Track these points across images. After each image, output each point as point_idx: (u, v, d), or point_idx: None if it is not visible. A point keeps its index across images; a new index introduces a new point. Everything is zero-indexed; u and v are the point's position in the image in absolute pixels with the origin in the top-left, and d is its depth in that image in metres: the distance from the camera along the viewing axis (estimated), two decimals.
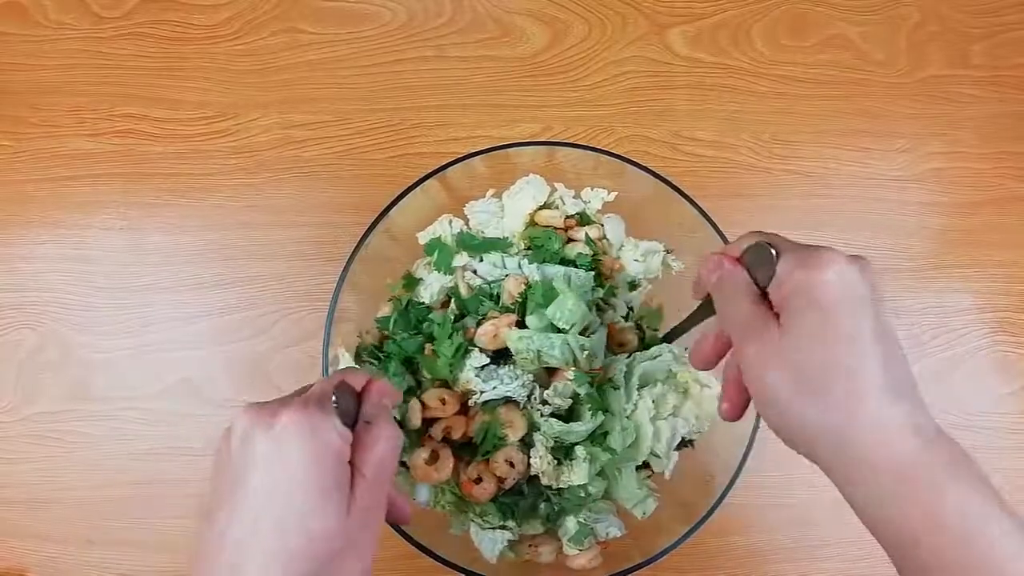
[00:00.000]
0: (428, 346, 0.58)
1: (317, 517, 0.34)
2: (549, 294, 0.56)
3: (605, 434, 0.56)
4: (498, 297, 0.59)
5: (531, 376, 0.57)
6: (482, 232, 0.63)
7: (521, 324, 0.57)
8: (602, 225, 0.63)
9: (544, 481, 0.56)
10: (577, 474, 0.55)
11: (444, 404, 0.56)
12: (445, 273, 0.62)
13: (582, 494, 0.56)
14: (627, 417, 0.57)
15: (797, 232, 0.74)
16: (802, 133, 0.77)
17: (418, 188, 0.58)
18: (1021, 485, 0.71)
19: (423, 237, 0.63)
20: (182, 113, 0.75)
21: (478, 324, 0.58)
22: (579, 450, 0.56)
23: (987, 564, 0.31)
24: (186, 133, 0.74)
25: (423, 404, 0.56)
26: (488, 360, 0.57)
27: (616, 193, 0.64)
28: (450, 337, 0.57)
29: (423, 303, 0.61)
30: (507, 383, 0.57)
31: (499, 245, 0.62)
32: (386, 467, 0.38)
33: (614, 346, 0.61)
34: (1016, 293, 0.74)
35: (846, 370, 0.34)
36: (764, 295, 0.38)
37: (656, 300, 0.66)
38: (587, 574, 0.57)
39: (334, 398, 0.37)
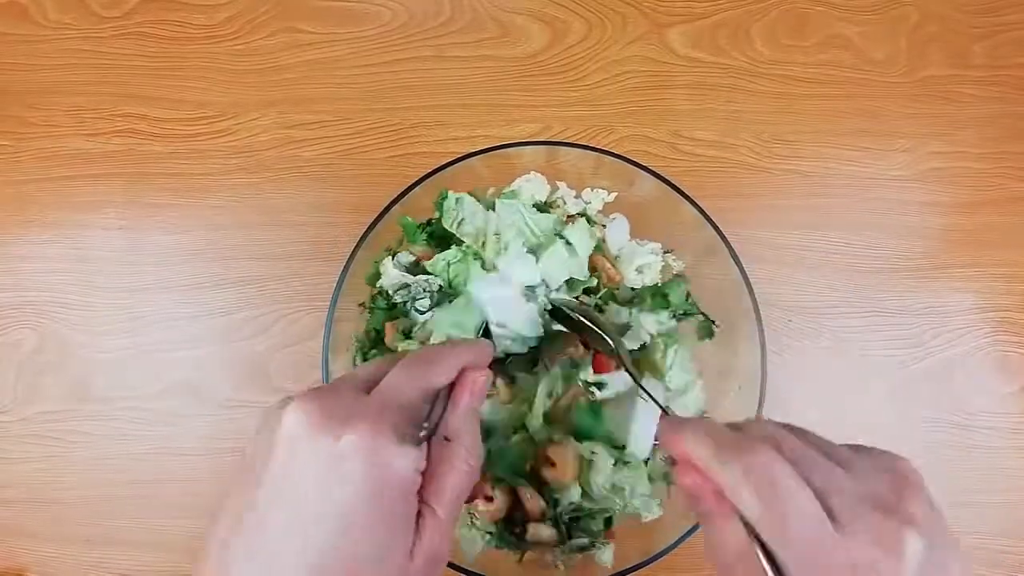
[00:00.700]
0: (389, 324, 0.58)
1: (373, 561, 0.27)
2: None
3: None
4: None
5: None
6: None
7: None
8: (603, 227, 0.63)
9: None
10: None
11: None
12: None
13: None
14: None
15: (797, 232, 0.75)
16: (802, 133, 0.77)
17: (418, 188, 0.58)
18: (1021, 485, 0.71)
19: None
20: (182, 113, 0.75)
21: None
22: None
23: None
24: (186, 133, 0.74)
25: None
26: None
27: (616, 193, 0.64)
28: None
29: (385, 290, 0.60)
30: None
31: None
32: (459, 504, 0.31)
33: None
34: (1016, 293, 0.74)
35: None
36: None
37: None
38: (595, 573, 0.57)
39: (425, 413, 0.30)
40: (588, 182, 0.64)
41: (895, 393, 0.72)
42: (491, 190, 0.63)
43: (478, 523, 0.56)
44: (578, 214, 0.64)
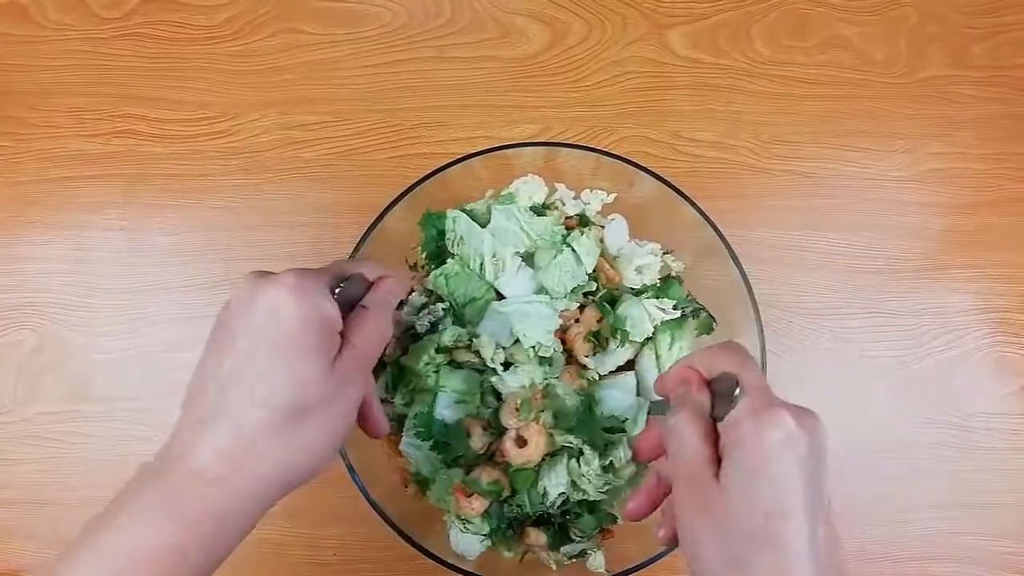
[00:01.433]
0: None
1: (301, 366, 0.36)
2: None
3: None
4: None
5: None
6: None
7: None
8: (601, 228, 0.63)
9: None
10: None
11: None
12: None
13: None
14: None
15: (797, 233, 0.75)
16: (802, 134, 0.77)
17: (417, 188, 0.58)
18: (1021, 486, 0.71)
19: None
20: (182, 114, 0.75)
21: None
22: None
23: None
24: (186, 134, 0.74)
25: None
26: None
27: (616, 194, 0.64)
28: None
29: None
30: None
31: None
32: (372, 346, 0.41)
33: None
34: (1016, 293, 0.74)
35: (773, 544, 0.33)
36: (715, 430, 0.37)
37: None
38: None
39: (340, 285, 0.40)
40: (587, 183, 0.64)
41: (895, 393, 0.72)
42: (489, 192, 0.63)
43: (472, 526, 0.56)
44: (577, 215, 0.64)
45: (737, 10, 0.79)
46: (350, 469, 0.53)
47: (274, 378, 0.35)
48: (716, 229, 0.58)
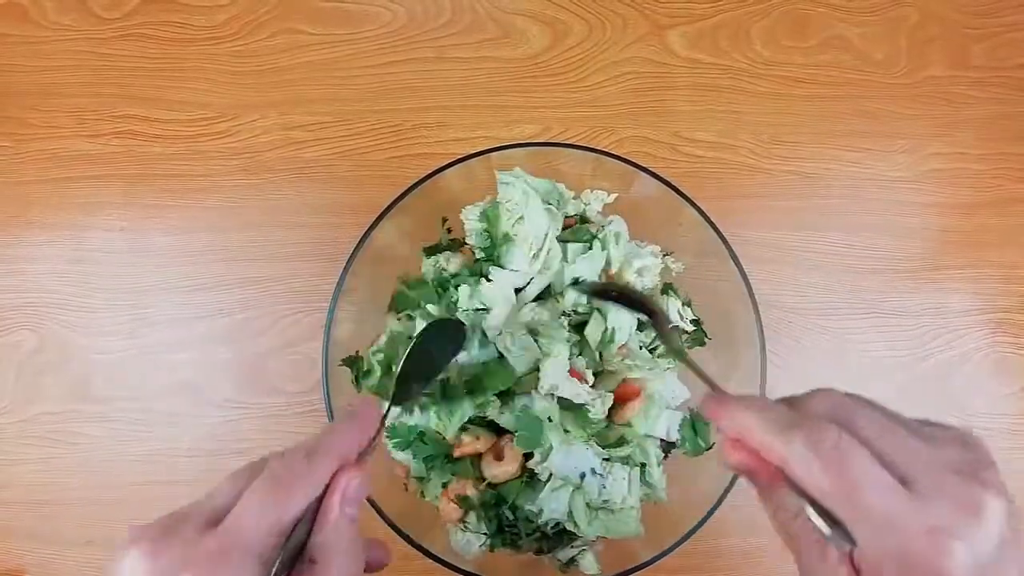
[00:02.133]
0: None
1: None
2: None
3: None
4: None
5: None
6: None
7: None
8: (602, 227, 0.63)
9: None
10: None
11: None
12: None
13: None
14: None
15: (797, 233, 0.75)
16: (802, 134, 0.77)
17: (418, 188, 0.58)
18: (1022, 486, 0.71)
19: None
20: (182, 114, 0.75)
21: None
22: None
23: None
24: (186, 134, 0.74)
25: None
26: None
27: (616, 195, 0.64)
28: None
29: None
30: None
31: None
32: None
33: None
34: (1016, 293, 0.74)
35: None
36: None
37: None
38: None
39: (280, 555, 0.26)
40: (588, 183, 0.64)
41: (895, 394, 0.72)
42: (488, 198, 0.63)
43: (471, 526, 0.56)
44: (576, 215, 0.64)
45: (737, 10, 0.79)
46: None
47: None
48: (716, 229, 0.58)
